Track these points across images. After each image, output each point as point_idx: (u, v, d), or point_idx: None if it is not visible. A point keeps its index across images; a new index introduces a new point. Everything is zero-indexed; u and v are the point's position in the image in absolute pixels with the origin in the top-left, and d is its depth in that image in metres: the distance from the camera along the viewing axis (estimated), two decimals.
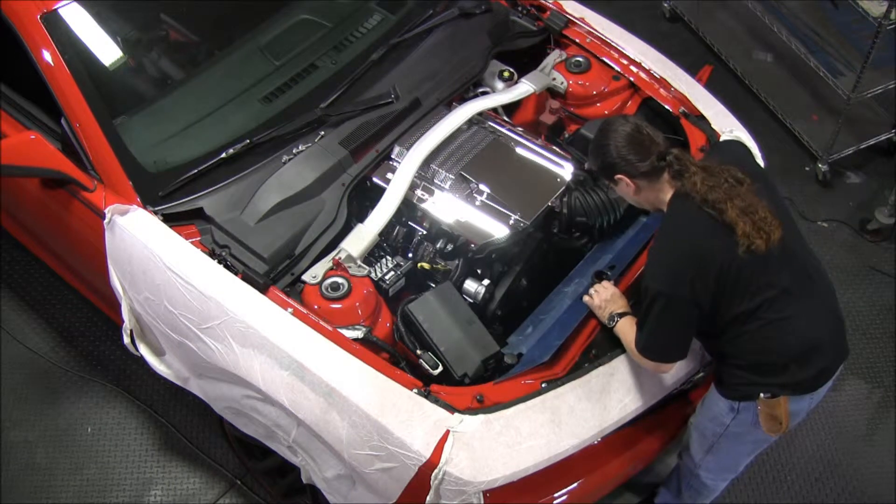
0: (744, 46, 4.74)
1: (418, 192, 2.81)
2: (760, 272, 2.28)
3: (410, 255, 2.81)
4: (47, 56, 2.76)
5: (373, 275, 2.68)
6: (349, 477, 2.52)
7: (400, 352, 2.54)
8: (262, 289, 2.54)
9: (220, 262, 2.59)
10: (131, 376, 3.55)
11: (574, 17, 3.36)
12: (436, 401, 2.36)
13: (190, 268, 2.58)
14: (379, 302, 2.61)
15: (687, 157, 2.34)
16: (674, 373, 2.57)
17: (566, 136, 3.15)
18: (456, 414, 2.34)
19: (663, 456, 2.92)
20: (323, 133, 2.87)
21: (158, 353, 2.87)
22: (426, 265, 2.74)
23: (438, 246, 2.78)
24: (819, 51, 4.22)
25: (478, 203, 2.79)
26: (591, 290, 2.59)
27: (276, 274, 2.61)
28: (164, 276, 2.59)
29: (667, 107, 3.10)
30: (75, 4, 2.85)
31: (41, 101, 2.89)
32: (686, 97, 3.13)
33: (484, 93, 3.15)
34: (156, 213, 2.69)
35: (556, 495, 2.58)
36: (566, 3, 3.42)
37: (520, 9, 3.41)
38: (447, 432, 2.30)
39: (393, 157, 2.89)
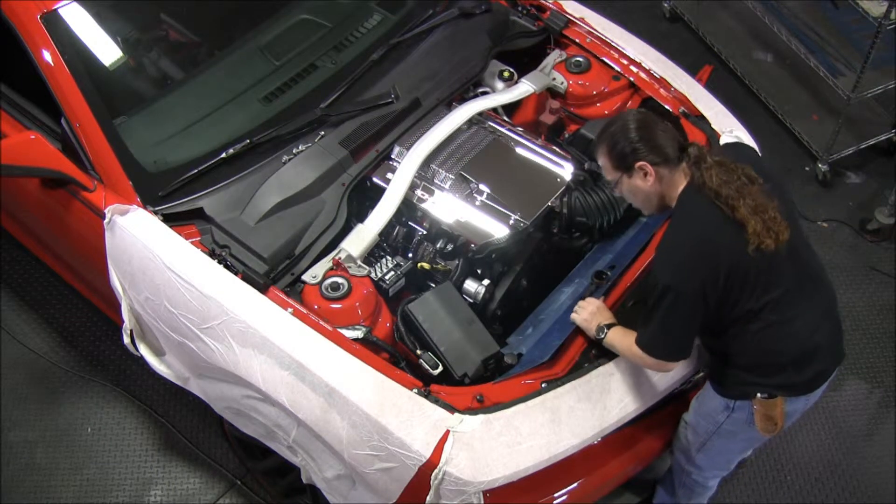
0: (744, 46, 4.74)
1: (418, 192, 2.81)
2: (767, 272, 2.28)
3: (410, 255, 2.81)
4: (47, 56, 2.76)
5: (373, 275, 2.68)
6: (349, 477, 2.52)
7: (400, 352, 2.54)
8: (262, 289, 2.54)
9: (220, 262, 2.59)
10: (131, 376, 3.55)
11: (574, 17, 3.36)
12: (436, 401, 2.36)
13: (190, 268, 2.58)
14: (379, 302, 2.61)
15: (705, 149, 2.33)
16: (673, 373, 2.57)
17: (566, 136, 3.15)
18: (456, 414, 2.34)
19: (663, 455, 2.92)
20: (323, 133, 2.87)
21: (158, 353, 2.87)
22: (426, 265, 2.74)
23: (438, 246, 2.78)
24: (819, 51, 4.21)
25: (478, 203, 2.79)
26: (576, 307, 2.57)
27: (276, 274, 2.61)
28: (163, 276, 2.59)
29: (667, 107, 3.10)
30: (75, 4, 2.85)
31: (41, 101, 2.89)
32: (686, 97, 3.13)
33: (484, 93, 3.15)
34: (156, 213, 2.69)
35: (556, 495, 2.58)
36: (566, 3, 3.42)
37: (520, 9, 3.41)
38: (447, 432, 2.30)
39: (393, 157, 2.89)
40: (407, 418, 2.32)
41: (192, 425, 3.43)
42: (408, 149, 2.86)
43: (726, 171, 2.26)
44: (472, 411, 2.35)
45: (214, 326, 2.53)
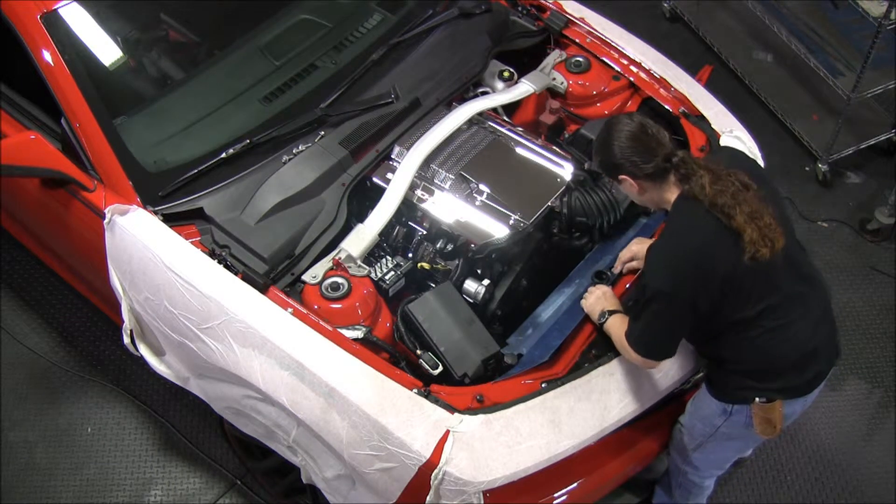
0: (744, 46, 4.74)
1: (418, 192, 2.81)
2: (763, 280, 2.27)
3: (410, 255, 2.81)
4: (47, 56, 2.76)
5: (373, 275, 2.68)
6: (349, 477, 2.52)
7: (400, 352, 2.54)
8: (262, 289, 2.55)
9: (220, 262, 2.59)
10: (131, 376, 3.55)
11: (574, 17, 3.36)
12: (436, 401, 2.36)
13: (190, 268, 2.58)
14: (379, 302, 2.61)
15: (693, 159, 2.30)
16: (673, 374, 2.57)
17: (566, 136, 3.15)
18: (456, 414, 2.34)
19: (663, 455, 2.92)
20: (323, 133, 2.87)
21: (158, 353, 2.87)
22: (426, 265, 2.74)
23: (438, 246, 2.78)
24: (819, 51, 4.21)
25: (478, 203, 2.79)
26: (586, 293, 2.59)
27: (276, 274, 2.61)
28: (164, 276, 2.59)
29: (667, 107, 3.10)
30: (75, 4, 2.85)
31: (41, 101, 2.89)
32: (686, 97, 3.13)
33: (484, 93, 3.15)
34: (156, 213, 2.69)
35: (556, 495, 2.58)
36: (566, 3, 3.42)
37: (520, 9, 3.41)
38: (447, 432, 2.30)
39: (393, 157, 2.89)
40: (407, 418, 2.32)
41: (192, 425, 3.43)
42: (408, 149, 2.86)
43: (719, 179, 2.24)
44: (472, 411, 2.35)
45: (214, 326, 2.53)
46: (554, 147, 2.98)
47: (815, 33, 4.30)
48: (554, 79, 3.19)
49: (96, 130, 2.74)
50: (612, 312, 2.49)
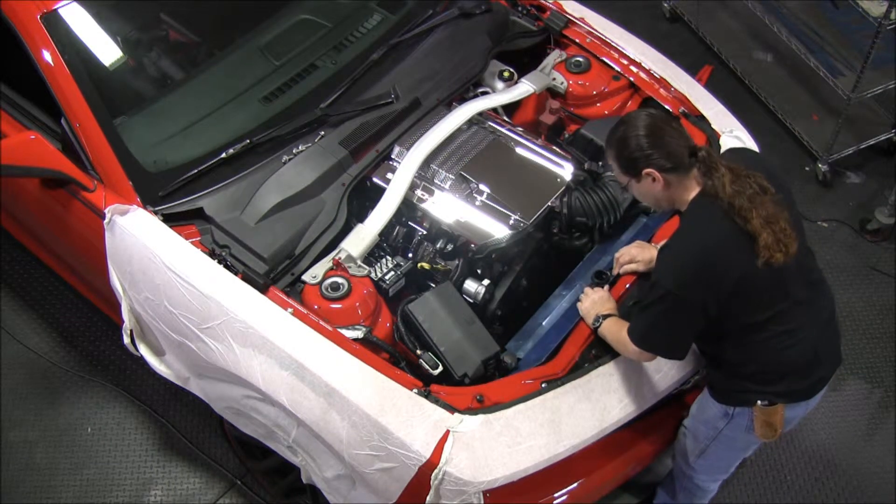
0: (744, 46, 4.74)
1: (418, 192, 2.81)
2: (775, 285, 2.24)
3: (410, 255, 2.81)
4: (47, 56, 2.76)
5: (373, 275, 2.68)
6: (349, 477, 2.52)
7: (400, 352, 2.54)
8: (262, 289, 2.55)
9: (220, 262, 2.59)
10: (131, 376, 3.55)
11: (574, 17, 3.36)
12: (436, 401, 2.36)
13: (190, 268, 2.58)
14: (379, 302, 2.61)
15: (716, 154, 2.25)
16: (673, 374, 2.57)
17: (566, 136, 3.15)
18: (456, 414, 2.34)
19: (662, 457, 2.92)
20: (323, 133, 2.87)
21: (158, 353, 2.87)
22: (426, 265, 2.74)
23: (438, 246, 2.78)
24: (819, 51, 4.21)
25: (478, 203, 2.79)
26: (581, 295, 2.58)
27: (276, 274, 2.61)
28: (164, 276, 2.59)
29: (667, 107, 3.10)
30: (75, 4, 2.85)
31: (41, 101, 2.89)
32: (686, 97, 3.13)
33: (484, 93, 3.15)
34: (156, 213, 2.69)
35: (555, 495, 2.58)
36: (566, 3, 3.42)
37: (520, 9, 3.41)
38: (447, 432, 2.30)
39: (393, 157, 2.89)
40: (407, 418, 2.32)
41: (192, 425, 3.43)
42: (408, 149, 2.86)
43: (739, 180, 2.20)
44: (472, 411, 2.35)
45: (214, 326, 2.53)
46: (554, 147, 2.98)
47: (815, 33, 4.30)
48: (554, 79, 3.19)
49: (96, 130, 2.74)
50: (606, 316, 2.48)
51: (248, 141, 2.80)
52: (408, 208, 2.82)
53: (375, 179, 2.86)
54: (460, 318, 2.54)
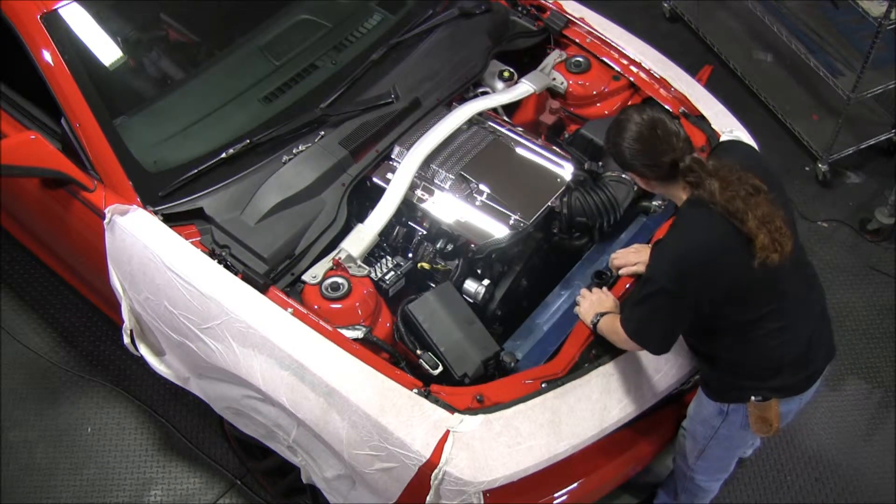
0: (744, 46, 4.74)
1: (418, 192, 2.81)
2: (770, 284, 2.25)
3: (410, 255, 2.81)
4: (47, 56, 2.76)
5: (373, 275, 2.68)
6: (349, 477, 2.52)
7: (400, 352, 2.54)
8: (262, 289, 2.55)
9: (220, 262, 2.59)
10: (131, 376, 3.55)
11: (574, 17, 3.36)
12: (436, 401, 2.36)
13: (190, 268, 2.58)
14: (379, 302, 2.61)
15: (702, 165, 2.21)
16: (673, 374, 2.57)
17: (566, 136, 3.15)
18: (456, 414, 2.34)
19: (662, 457, 2.92)
20: (323, 133, 2.87)
21: (158, 353, 2.87)
22: (426, 265, 2.74)
23: (438, 246, 2.78)
24: (819, 51, 4.21)
25: (478, 203, 2.79)
26: (578, 297, 2.58)
27: (276, 274, 2.61)
28: (164, 276, 2.59)
29: (667, 107, 3.10)
30: (75, 4, 2.85)
31: (41, 101, 2.89)
32: (686, 97, 3.12)
33: (484, 93, 3.15)
34: (156, 213, 2.69)
35: (556, 495, 2.58)
36: (566, 3, 3.42)
37: (520, 9, 3.41)
38: (447, 432, 2.30)
39: (393, 157, 2.89)
40: (407, 418, 2.32)
41: (192, 425, 3.43)
42: (408, 149, 2.86)
43: (729, 185, 2.17)
44: (472, 411, 2.35)
45: (214, 326, 2.53)
46: (554, 147, 2.98)
47: (815, 33, 4.30)
48: (554, 79, 3.19)
49: (96, 130, 2.74)
50: (603, 314, 2.48)
51: (248, 141, 2.80)
52: (408, 208, 2.82)
53: (375, 179, 2.86)
54: (460, 318, 2.54)
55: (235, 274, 2.57)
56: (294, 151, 2.81)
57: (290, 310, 2.50)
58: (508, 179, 2.84)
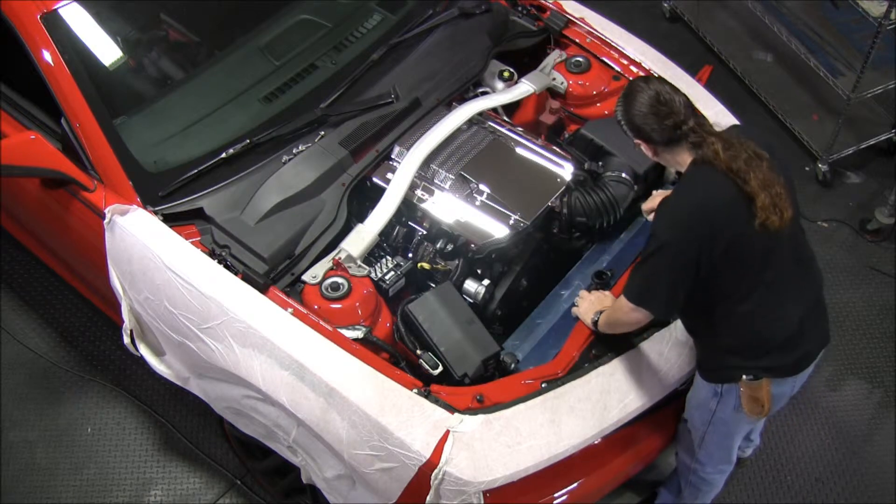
0: (744, 46, 4.74)
1: (418, 192, 2.81)
2: (767, 251, 2.27)
3: (410, 255, 2.81)
4: (47, 56, 2.76)
5: (373, 275, 2.68)
6: (349, 477, 2.52)
7: (400, 352, 2.54)
8: (262, 289, 2.55)
9: (220, 262, 2.59)
10: (131, 376, 3.55)
11: (574, 17, 3.36)
12: (436, 401, 2.36)
13: (190, 268, 2.58)
14: (379, 302, 2.61)
15: (705, 126, 2.30)
16: (674, 373, 2.57)
17: (566, 136, 3.16)
18: (456, 414, 2.34)
19: (664, 455, 2.92)
20: (323, 133, 2.87)
21: (158, 353, 2.87)
22: (426, 265, 2.74)
23: (438, 246, 2.78)
24: (819, 51, 4.22)
25: (478, 203, 2.79)
26: (576, 299, 2.59)
27: (276, 274, 2.61)
28: (164, 276, 2.59)
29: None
30: (75, 4, 2.85)
31: (41, 101, 2.89)
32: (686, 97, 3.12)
33: (484, 93, 3.16)
34: (156, 213, 2.69)
35: (556, 495, 2.58)
36: (566, 3, 3.43)
37: (520, 9, 3.42)
38: (447, 432, 2.30)
39: (393, 157, 2.89)
40: (407, 418, 2.32)
41: (192, 425, 3.43)
42: (408, 149, 2.86)
43: (731, 147, 2.24)
44: (472, 411, 2.36)
45: (214, 326, 2.53)
46: (554, 147, 2.98)
47: (815, 33, 4.30)
48: (554, 79, 3.19)
49: (96, 130, 2.74)
50: (601, 312, 2.50)
51: (248, 141, 2.80)
52: (408, 208, 2.82)
53: (375, 179, 2.86)
54: (460, 318, 2.54)
55: (235, 274, 2.57)
56: (294, 151, 2.82)
57: (290, 310, 2.50)
58: (508, 179, 2.84)
